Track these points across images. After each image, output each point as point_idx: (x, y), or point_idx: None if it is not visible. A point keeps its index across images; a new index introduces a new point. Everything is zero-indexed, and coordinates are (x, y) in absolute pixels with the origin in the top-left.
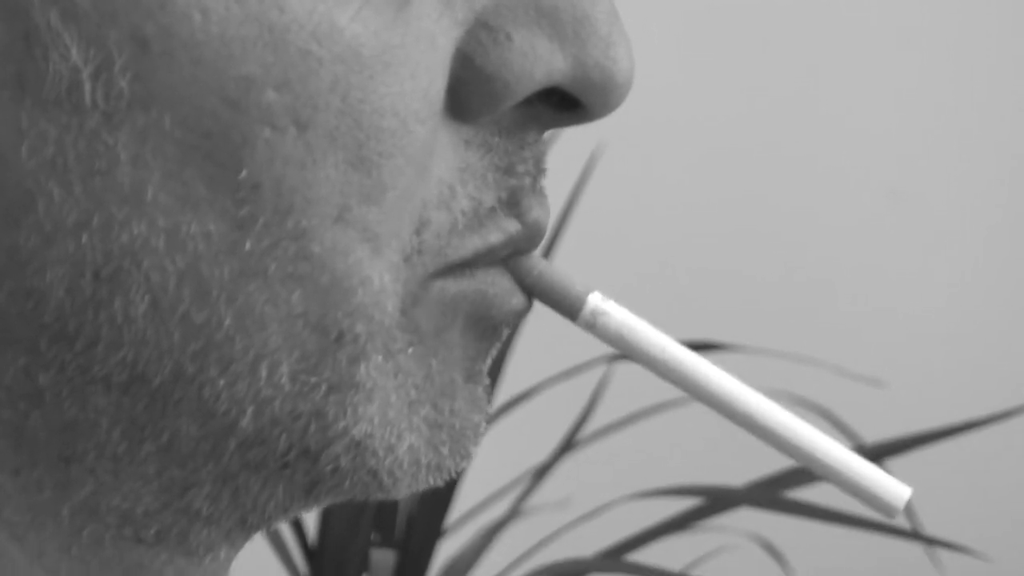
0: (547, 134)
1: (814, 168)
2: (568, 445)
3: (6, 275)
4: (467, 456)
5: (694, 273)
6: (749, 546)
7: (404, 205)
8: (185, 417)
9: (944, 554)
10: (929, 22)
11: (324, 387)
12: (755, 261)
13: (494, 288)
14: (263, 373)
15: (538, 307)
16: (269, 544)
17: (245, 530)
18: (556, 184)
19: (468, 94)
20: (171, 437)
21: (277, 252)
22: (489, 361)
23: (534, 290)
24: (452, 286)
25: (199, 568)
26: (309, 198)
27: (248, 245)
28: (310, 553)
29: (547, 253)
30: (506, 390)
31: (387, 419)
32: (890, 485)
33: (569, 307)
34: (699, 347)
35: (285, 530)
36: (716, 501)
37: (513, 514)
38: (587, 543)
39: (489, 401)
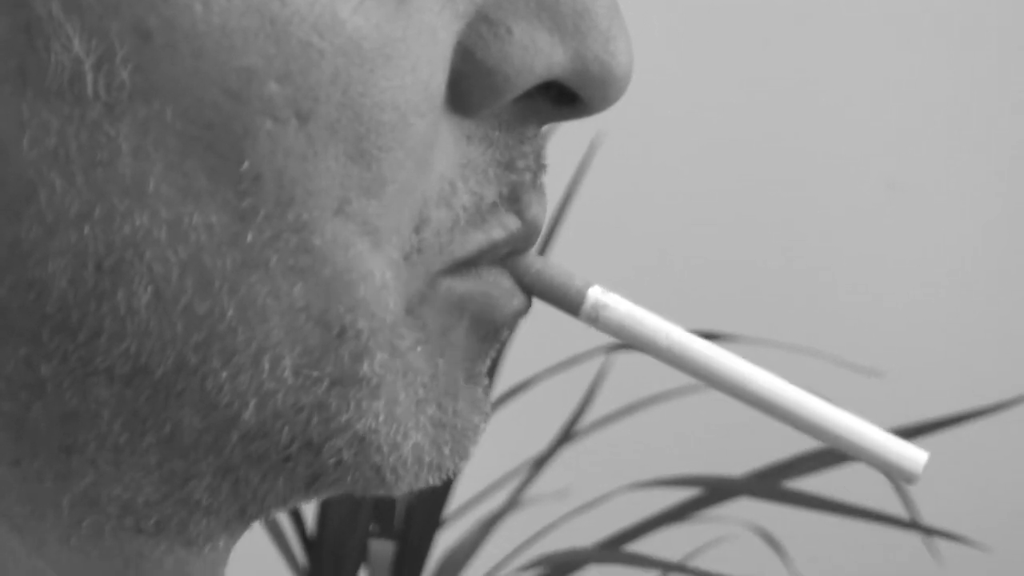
0: (545, 127)
1: (813, 159)
2: (566, 435)
3: (8, 266)
4: (466, 457)
5: (693, 264)
6: (748, 536)
7: (404, 199)
8: (187, 409)
9: (942, 544)
10: (928, 13)
11: (327, 381)
12: (754, 252)
13: (497, 289)
14: (266, 366)
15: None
16: (268, 535)
17: (244, 520)
18: (555, 175)
19: (469, 87)
20: (173, 429)
21: (278, 244)
22: (488, 362)
23: (534, 288)
24: (460, 286)
25: (198, 558)
26: (310, 190)
27: (250, 237)
28: (309, 544)
29: (545, 244)
30: (504, 380)
31: (394, 416)
32: (906, 451)
33: (570, 303)
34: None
35: (284, 521)
36: (715, 491)
37: (512, 505)
38: (586, 533)
39: (487, 402)
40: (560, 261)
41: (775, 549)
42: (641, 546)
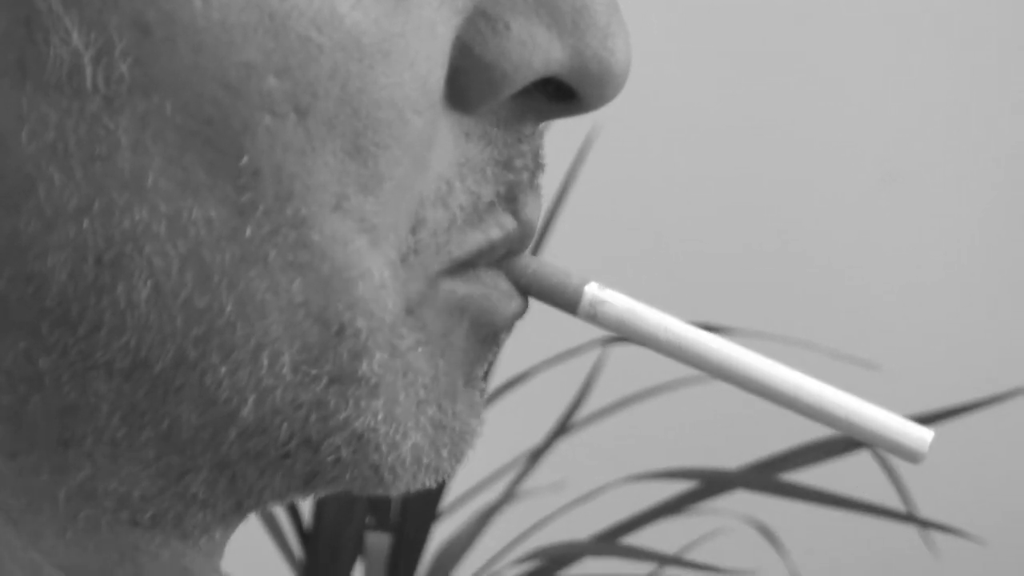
0: (542, 125)
1: (810, 151)
2: (562, 428)
3: (7, 260)
4: (461, 460)
5: (690, 257)
6: (744, 529)
7: (401, 197)
8: (186, 404)
9: (938, 537)
10: (925, 4)
11: (326, 379)
12: (751, 245)
13: (496, 292)
14: (265, 362)
15: None
16: (264, 528)
17: (240, 513)
18: (551, 167)
19: (467, 83)
20: (171, 424)
21: (277, 239)
22: (486, 366)
23: (531, 289)
24: (461, 288)
25: (194, 549)
26: (309, 185)
27: (249, 231)
28: (305, 537)
29: (542, 237)
30: (501, 374)
31: (393, 416)
32: (911, 431)
33: (567, 301)
34: None
35: (280, 514)
36: (710, 484)
37: (508, 497)
38: (581, 526)
39: (483, 406)
40: (556, 254)
41: (771, 541)
42: (637, 539)
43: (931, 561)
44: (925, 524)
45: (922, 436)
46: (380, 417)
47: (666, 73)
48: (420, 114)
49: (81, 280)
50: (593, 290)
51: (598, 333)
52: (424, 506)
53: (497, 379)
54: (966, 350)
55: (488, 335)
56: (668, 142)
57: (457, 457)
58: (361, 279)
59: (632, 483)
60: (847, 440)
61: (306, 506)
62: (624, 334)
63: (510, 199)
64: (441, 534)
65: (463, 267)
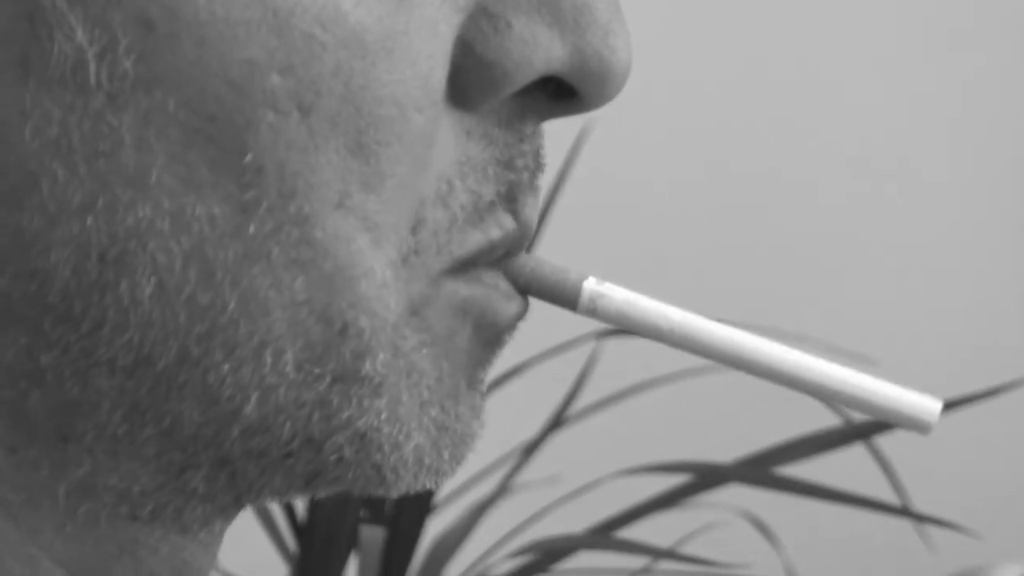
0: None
1: (805, 146)
2: (557, 422)
3: (10, 256)
4: (461, 462)
5: (684, 251)
6: (738, 522)
7: (402, 196)
8: (188, 401)
9: (934, 531)
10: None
11: (329, 378)
12: (745, 238)
13: (497, 292)
14: (268, 360)
15: None
16: (259, 522)
17: (239, 506)
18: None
19: (468, 81)
20: (173, 421)
21: (280, 236)
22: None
23: (530, 288)
24: (463, 289)
25: (193, 542)
26: (312, 183)
27: (252, 228)
28: (299, 530)
29: (536, 233)
30: (495, 367)
31: (397, 416)
32: (920, 401)
33: (567, 297)
34: None
35: (275, 507)
36: (705, 478)
37: (502, 491)
38: (576, 520)
39: (483, 409)
40: (550, 249)
41: (766, 535)
42: (631, 532)
43: (926, 555)
44: (920, 518)
45: (931, 407)
46: (383, 417)
47: (659, 69)
48: (422, 112)
49: (84, 277)
50: (591, 284)
51: (592, 327)
52: (418, 500)
53: (491, 373)
54: (961, 344)
55: (491, 337)
56: (661, 138)
57: (458, 459)
58: (364, 277)
59: (626, 477)
60: (842, 433)
61: (300, 500)
62: (625, 326)
63: (510, 199)
64: (435, 528)
65: (464, 267)
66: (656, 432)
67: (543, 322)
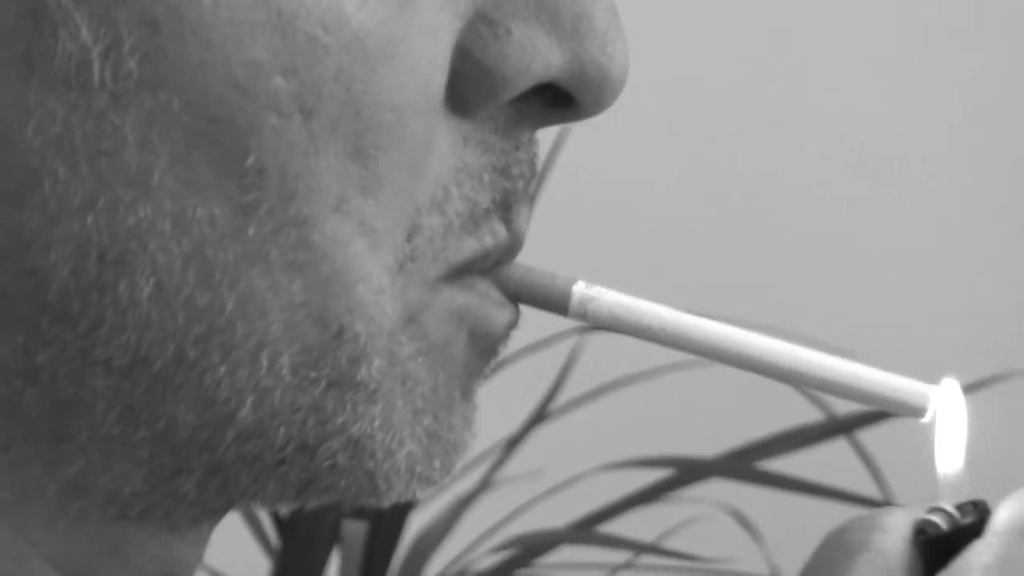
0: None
1: (784, 137)
2: (539, 416)
3: (9, 254)
4: (451, 471)
5: (663, 244)
6: (720, 517)
7: (400, 202)
8: (184, 404)
9: None
10: None
11: (324, 382)
12: (724, 231)
13: (491, 301)
14: (264, 362)
15: None
16: (241, 516)
17: (229, 510)
18: None
19: (467, 87)
20: (167, 424)
21: (279, 238)
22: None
23: (520, 295)
24: (459, 296)
25: (182, 541)
26: (312, 186)
27: (251, 230)
28: (282, 525)
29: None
30: None
31: (390, 423)
32: (913, 387)
33: (557, 303)
34: None
35: None
36: (687, 472)
37: (484, 486)
38: (558, 514)
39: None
40: (531, 247)
41: (748, 530)
42: (614, 527)
43: None
44: None
45: (924, 392)
46: (377, 424)
47: (655, 68)
48: (421, 117)
49: (83, 276)
50: (581, 288)
51: (574, 321)
52: None
53: None
54: (941, 337)
55: (487, 346)
56: (638, 132)
57: (448, 468)
58: (361, 282)
59: (609, 471)
60: (824, 428)
61: (291, 507)
62: (616, 328)
63: (505, 207)
64: (418, 522)
65: (458, 274)
66: (638, 427)
67: (526, 316)
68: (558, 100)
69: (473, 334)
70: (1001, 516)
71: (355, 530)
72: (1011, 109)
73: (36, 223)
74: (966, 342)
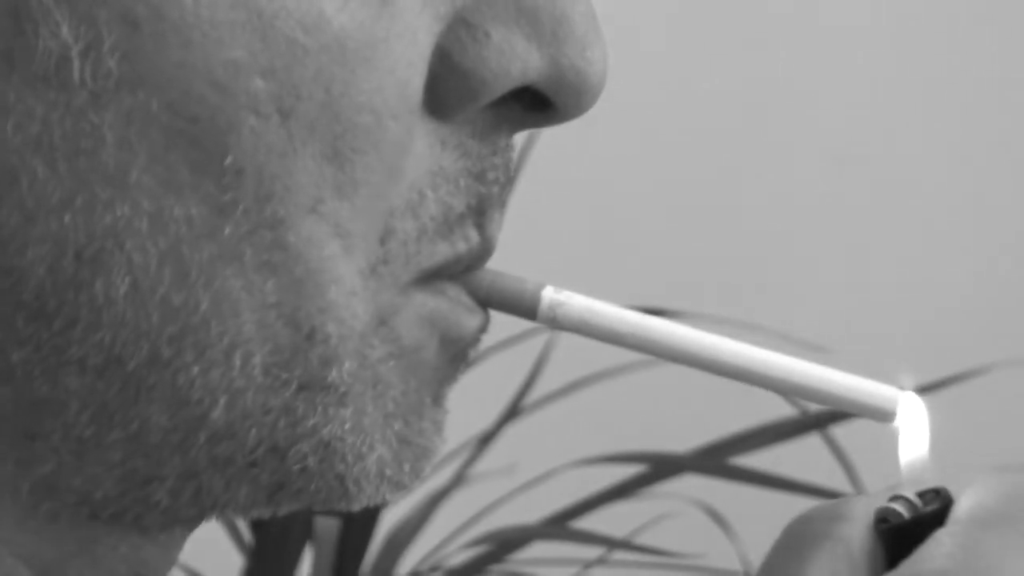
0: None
1: (760, 134)
2: (512, 412)
3: None
4: (420, 476)
5: (637, 240)
6: (693, 512)
7: (375, 205)
8: (157, 404)
9: None
10: None
11: (295, 384)
12: (698, 227)
13: (461, 306)
14: (237, 362)
15: None
16: None
17: (201, 519)
18: None
19: (445, 90)
20: (140, 426)
21: (254, 238)
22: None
23: (489, 300)
24: (431, 301)
25: (153, 543)
26: (288, 186)
27: (227, 230)
28: (254, 522)
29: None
30: None
31: (361, 426)
32: (880, 391)
33: (526, 308)
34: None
35: None
36: (660, 468)
37: (457, 481)
38: (531, 510)
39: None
40: (500, 250)
41: (721, 525)
42: (587, 522)
43: None
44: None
45: (891, 395)
46: (347, 427)
47: (637, 68)
48: (398, 120)
49: (60, 275)
50: (550, 293)
51: None
52: None
53: None
54: (917, 333)
55: (458, 351)
56: (613, 128)
57: (417, 473)
58: (333, 284)
59: (582, 467)
60: (797, 423)
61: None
62: (585, 333)
63: (479, 212)
64: (390, 518)
65: (430, 278)
66: (611, 422)
67: (497, 312)
68: (536, 104)
69: (444, 339)
70: (963, 504)
71: (328, 527)
72: (985, 109)
73: (13, 221)
74: (939, 336)
